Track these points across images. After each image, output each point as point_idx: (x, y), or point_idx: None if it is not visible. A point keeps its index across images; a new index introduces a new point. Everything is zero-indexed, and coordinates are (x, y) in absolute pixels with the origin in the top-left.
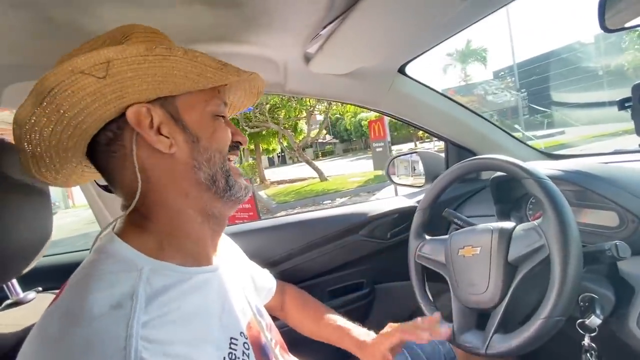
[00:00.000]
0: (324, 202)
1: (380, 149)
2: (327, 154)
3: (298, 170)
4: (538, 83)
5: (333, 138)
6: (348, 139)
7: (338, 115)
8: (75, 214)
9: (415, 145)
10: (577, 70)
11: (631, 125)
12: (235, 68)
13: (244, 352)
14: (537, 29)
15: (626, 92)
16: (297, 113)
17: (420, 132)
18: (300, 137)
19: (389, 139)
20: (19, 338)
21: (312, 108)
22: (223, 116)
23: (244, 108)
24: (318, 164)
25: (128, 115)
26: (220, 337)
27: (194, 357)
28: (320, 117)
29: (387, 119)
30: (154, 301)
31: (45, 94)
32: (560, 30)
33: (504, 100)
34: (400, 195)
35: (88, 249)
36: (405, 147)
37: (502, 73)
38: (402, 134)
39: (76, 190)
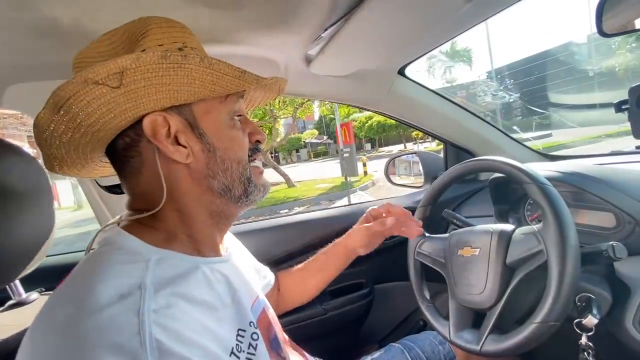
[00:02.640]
0: (281, 212)
1: (347, 154)
2: (321, 154)
3: (286, 173)
4: (525, 85)
5: (327, 138)
6: None
7: (332, 116)
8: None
9: (405, 147)
10: (564, 72)
11: (619, 127)
12: (254, 76)
13: (250, 344)
14: (524, 31)
15: (617, 94)
16: (263, 116)
17: (413, 133)
18: (277, 140)
19: (354, 144)
20: (22, 338)
21: (276, 112)
22: (240, 115)
23: (264, 102)
24: (310, 164)
25: (144, 125)
26: (228, 327)
27: (206, 346)
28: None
29: (352, 123)
30: (162, 290)
31: (62, 103)
32: (548, 32)
33: (487, 102)
34: (353, 202)
35: (92, 249)
36: (395, 148)
37: (481, 76)
38: (392, 135)
39: (63, 192)
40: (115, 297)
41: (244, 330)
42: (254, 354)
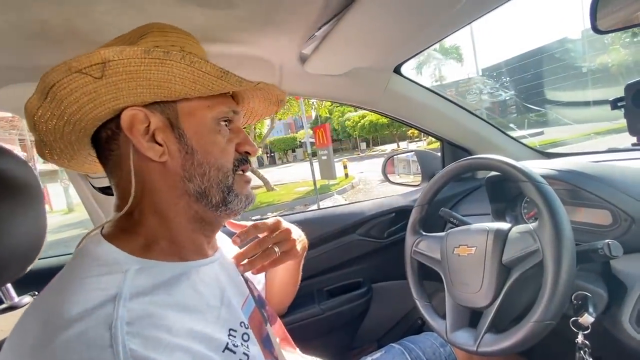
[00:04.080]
0: (252, 218)
1: (325, 157)
2: (316, 154)
3: (278, 174)
4: (516, 83)
5: None
6: (337, 139)
7: (328, 115)
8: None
9: (398, 147)
10: (556, 69)
11: (611, 124)
12: (237, 78)
13: (242, 344)
14: (513, 28)
15: (610, 91)
16: None
17: (408, 132)
18: (259, 141)
19: (331, 146)
20: None
21: None
22: (228, 121)
23: (264, 116)
24: (304, 164)
25: (122, 117)
26: (218, 328)
27: (188, 346)
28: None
29: (330, 125)
30: (139, 299)
31: (47, 90)
32: (537, 29)
33: (476, 101)
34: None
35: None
36: (389, 147)
37: (470, 74)
38: (385, 135)
39: (55, 195)
40: (86, 312)
41: (235, 330)
42: (248, 352)
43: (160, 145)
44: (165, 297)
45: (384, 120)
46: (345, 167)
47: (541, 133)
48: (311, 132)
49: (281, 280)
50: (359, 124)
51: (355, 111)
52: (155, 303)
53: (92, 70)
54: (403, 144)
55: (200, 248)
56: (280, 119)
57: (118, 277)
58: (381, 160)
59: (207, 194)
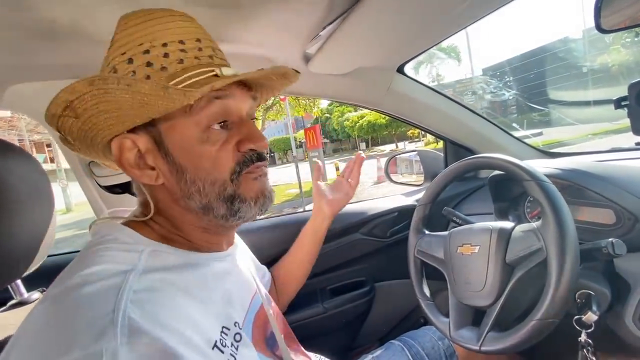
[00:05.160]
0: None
1: (316, 159)
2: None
3: (276, 174)
4: (513, 84)
5: (324, 137)
6: (338, 139)
7: (328, 115)
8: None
9: (397, 147)
10: (555, 70)
11: (611, 125)
12: (180, 91)
13: (232, 344)
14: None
15: (610, 91)
16: None
17: (408, 132)
18: None
19: (322, 147)
20: None
21: None
22: (224, 121)
23: (282, 90)
24: (303, 165)
25: (112, 149)
26: (213, 322)
27: (185, 333)
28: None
29: (320, 127)
30: (150, 275)
31: (57, 127)
32: (536, 30)
33: (473, 101)
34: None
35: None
36: (388, 148)
37: (467, 74)
38: (383, 135)
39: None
40: (99, 278)
41: (228, 329)
42: (235, 354)
43: (152, 168)
44: (175, 278)
45: (382, 120)
46: (337, 168)
47: (540, 134)
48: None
49: (307, 253)
50: (358, 124)
51: (356, 111)
52: (164, 281)
53: (67, 113)
54: (402, 144)
55: (217, 244)
56: (273, 120)
57: (134, 255)
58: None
59: (211, 208)
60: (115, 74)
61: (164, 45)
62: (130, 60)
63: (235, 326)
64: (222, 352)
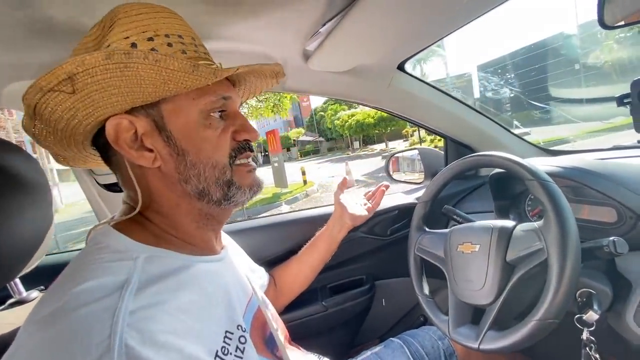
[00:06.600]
0: None
1: (277, 164)
2: (311, 152)
3: (266, 174)
4: (506, 81)
5: (319, 136)
6: (332, 138)
7: (322, 113)
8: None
9: (387, 147)
10: (548, 67)
11: (604, 124)
12: (210, 70)
13: (237, 347)
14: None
15: (604, 89)
16: None
17: (403, 131)
18: None
19: (282, 152)
20: None
21: None
22: (223, 111)
23: (265, 89)
24: (294, 164)
25: (107, 130)
26: (215, 330)
27: (185, 348)
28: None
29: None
30: (146, 289)
31: (32, 111)
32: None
33: (463, 98)
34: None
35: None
36: (378, 147)
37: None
38: (372, 134)
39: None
40: (95, 296)
41: (232, 333)
42: (241, 357)
43: (150, 150)
44: (172, 287)
45: (371, 119)
46: (303, 173)
47: (528, 133)
48: (303, 131)
49: (319, 258)
50: (347, 123)
51: (349, 108)
52: (161, 292)
53: (63, 87)
54: (393, 144)
55: (208, 244)
56: (266, 116)
57: (128, 263)
58: (366, 160)
59: (207, 192)
60: (141, 49)
61: (167, 36)
62: (134, 45)
63: (239, 329)
64: None
